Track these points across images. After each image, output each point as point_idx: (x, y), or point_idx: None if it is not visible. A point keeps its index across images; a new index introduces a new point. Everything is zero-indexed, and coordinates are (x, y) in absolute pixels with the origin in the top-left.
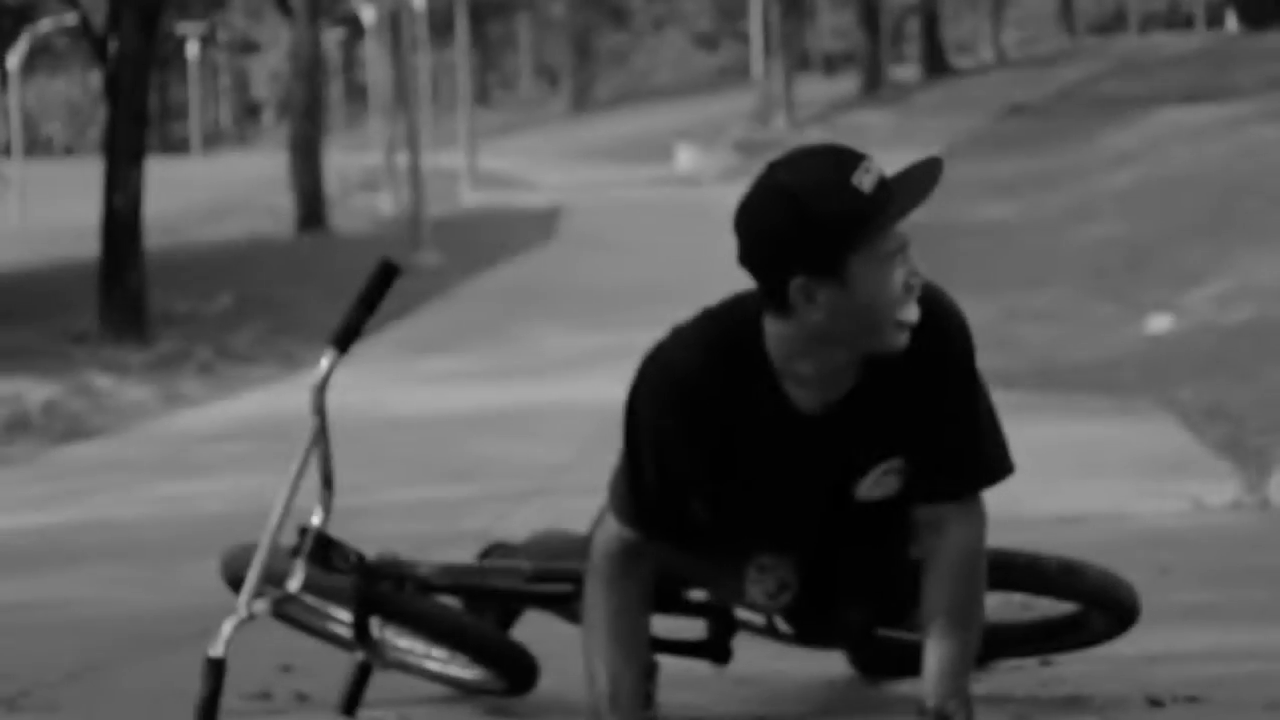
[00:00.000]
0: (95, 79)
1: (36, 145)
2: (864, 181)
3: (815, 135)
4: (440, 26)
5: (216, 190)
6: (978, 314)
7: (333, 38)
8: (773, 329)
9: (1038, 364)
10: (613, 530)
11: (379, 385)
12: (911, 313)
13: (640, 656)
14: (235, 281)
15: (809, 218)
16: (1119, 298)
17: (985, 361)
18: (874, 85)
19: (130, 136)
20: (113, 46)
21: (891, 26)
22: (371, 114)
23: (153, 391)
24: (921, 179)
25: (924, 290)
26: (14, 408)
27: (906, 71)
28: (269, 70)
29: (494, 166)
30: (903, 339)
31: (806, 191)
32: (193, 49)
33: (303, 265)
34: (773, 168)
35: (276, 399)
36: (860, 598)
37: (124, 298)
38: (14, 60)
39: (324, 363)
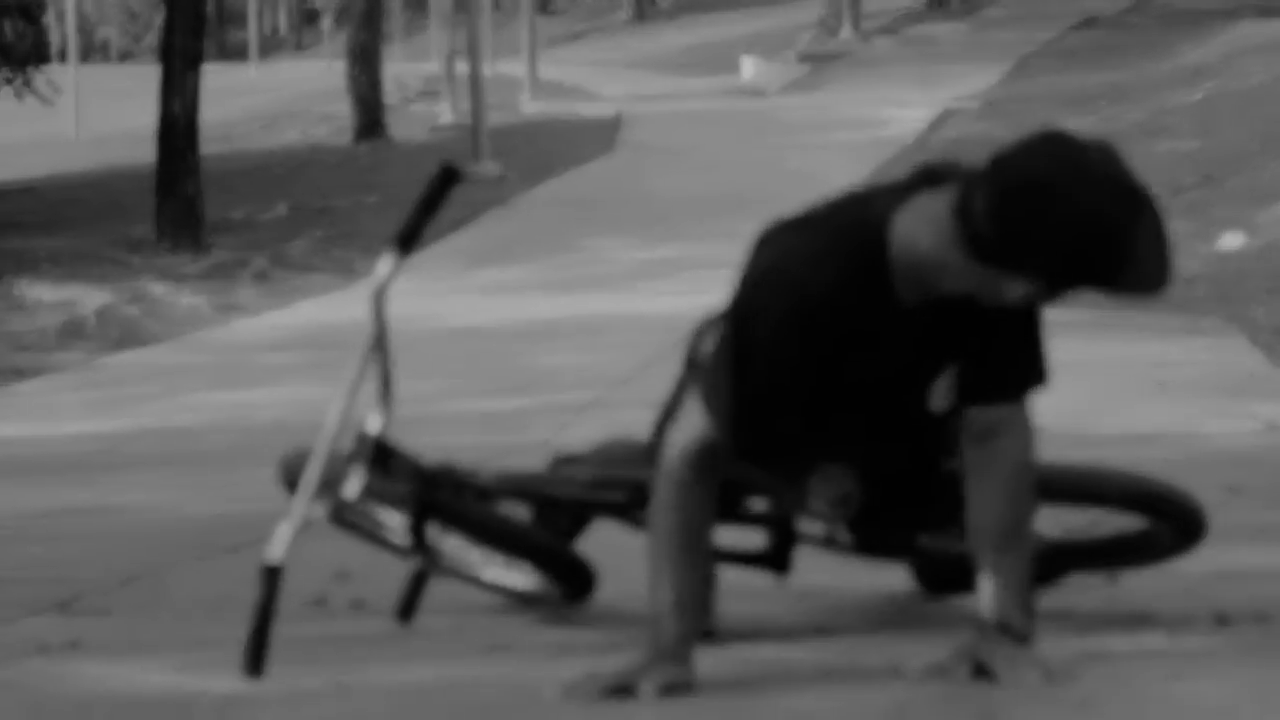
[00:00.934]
0: None
1: (92, 50)
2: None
3: (883, 47)
4: None
5: (273, 97)
6: None
7: None
8: (928, 238)
9: None
10: (696, 431)
11: (439, 295)
12: None
13: (705, 564)
14: (292, 190)
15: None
16: (1192, 214)
17: None
18: None
19: (187, 42)
20: None
21: None
22: (432, 21)
23: (208, 299)
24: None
25: None
26: (69, 314)
27: None
28: None
29: (555, 76)
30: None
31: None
32: None
33: (360, 174)
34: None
35: (333, 308)
36: (914, 507)
37: (180, 205)
38: None
39: (384, 266)
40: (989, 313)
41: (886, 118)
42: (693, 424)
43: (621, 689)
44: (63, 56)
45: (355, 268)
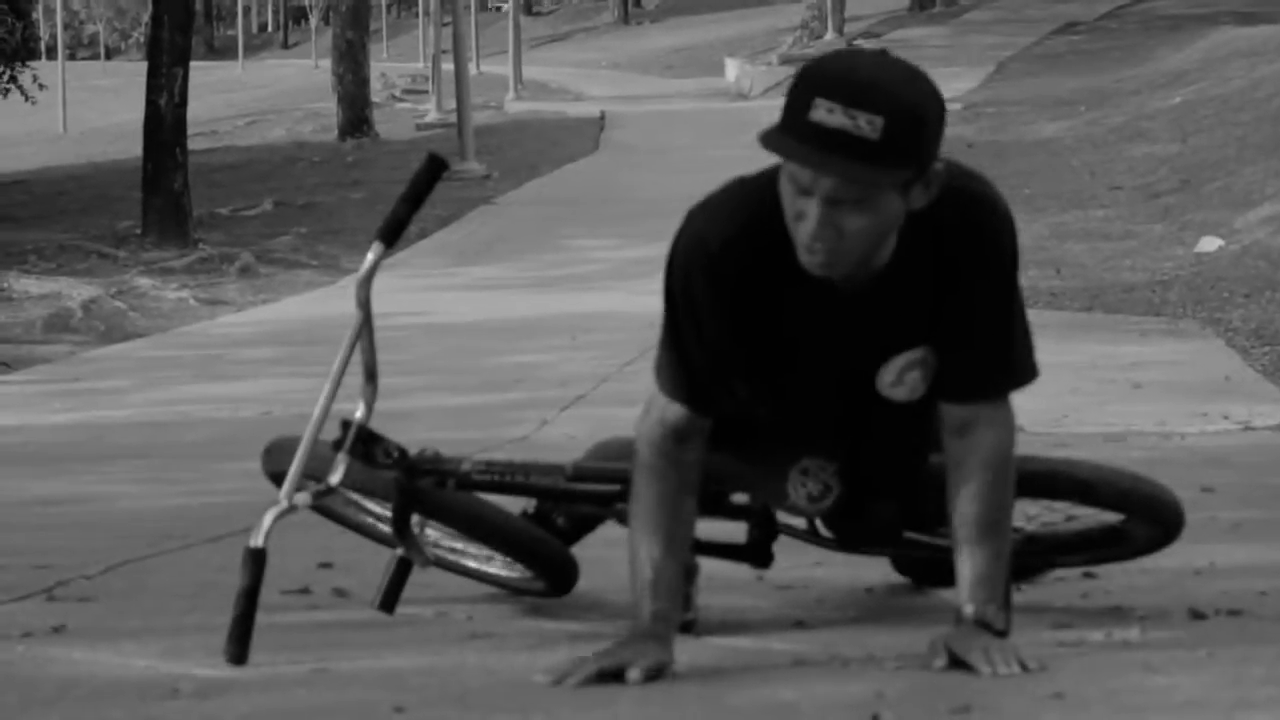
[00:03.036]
0: None
1: (80, 46)
2: (820, 107)
3: (864, 47)
4: None
5: (260, 94)
6: (1028, 232)
7: None
8: None
9: (1087, 283)
10: (657, 413)
11: (423, 292)
12: (805, 250)
13: (683, 548)
14: (277, 186)
15: (797, 73)
16: (1169, 218)
17: (1034, 280)
18: (927, 1)
19: (175, 38)
20: None
21: None
22: (418, 19)
23: (194, 294)
24: None
25: (971, 186)
26: (55, 307)
27: None
28: None
29: (540, 76)
30: (809, 261)
31: (814, 63)
32: None
33: (345, 171)
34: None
35: (318, 304)
36: (895, 502)
37: (166, 200)
38: None
39: (370, 256)
40: (957, 306)
41: None
42: (653, 406)
43: (607, 673)
44: (51, 53)
45: (340, 264)
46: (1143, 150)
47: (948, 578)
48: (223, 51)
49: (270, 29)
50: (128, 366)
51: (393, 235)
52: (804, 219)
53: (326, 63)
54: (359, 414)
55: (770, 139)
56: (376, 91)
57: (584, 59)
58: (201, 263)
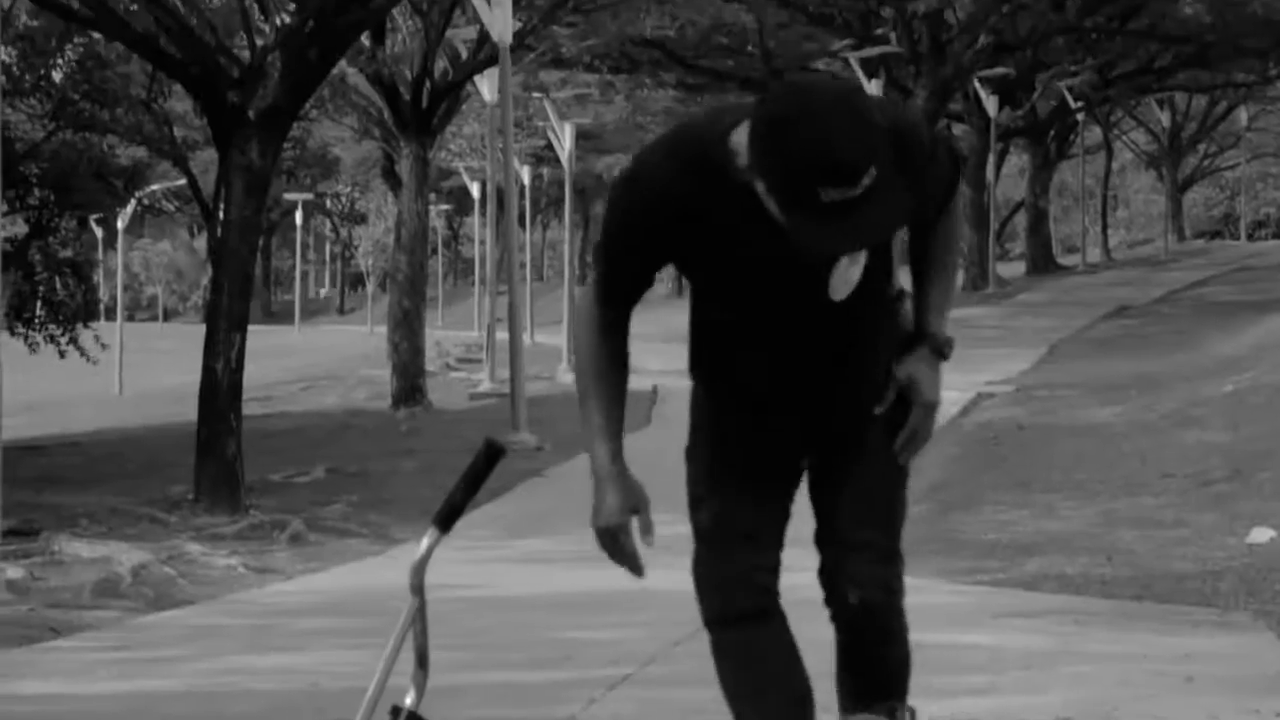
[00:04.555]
0: (201, 243)
1: (139, 308)
2: (830, 195)
3: None
4: (546, 203)
5: (315, 359)
6: (1078, 518)
7: (439, 209)
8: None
9: (1138, 572)
10: (589, 300)
11: (473, 564)
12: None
13: (621, 396)
14: (330, 453)
15: (764, 143)
16: (1220, 507)
17: (1085, 567)
18: (980, 281)
19: (234, 304)
20: (220, 212)
21: (999, 223)
22: (474, 288)
23: (244, 561)
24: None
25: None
26: (105, 571)
27: (1013, 269)
28: (373, 240)
29: None
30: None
31: (776, 135)
32: (299, 217)
33: (398, 439)
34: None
35: (368, 574)
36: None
37: (219, 466)
38: (121, 222)
39: (425, 541)
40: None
41: None
42: (586, 293)
43: (619, 548)
44: (110, 314)
45: (391, 533)
46: (1194, 437)
47: None
48: (280, 315)
49: (326, 294)
50: (176, 634)
51: (449, 521)
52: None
53: (382, 329)
54: (409, 700)
55: (802, 229)
56: (431, 360)
57: (638, 331)
58: (252, 529)
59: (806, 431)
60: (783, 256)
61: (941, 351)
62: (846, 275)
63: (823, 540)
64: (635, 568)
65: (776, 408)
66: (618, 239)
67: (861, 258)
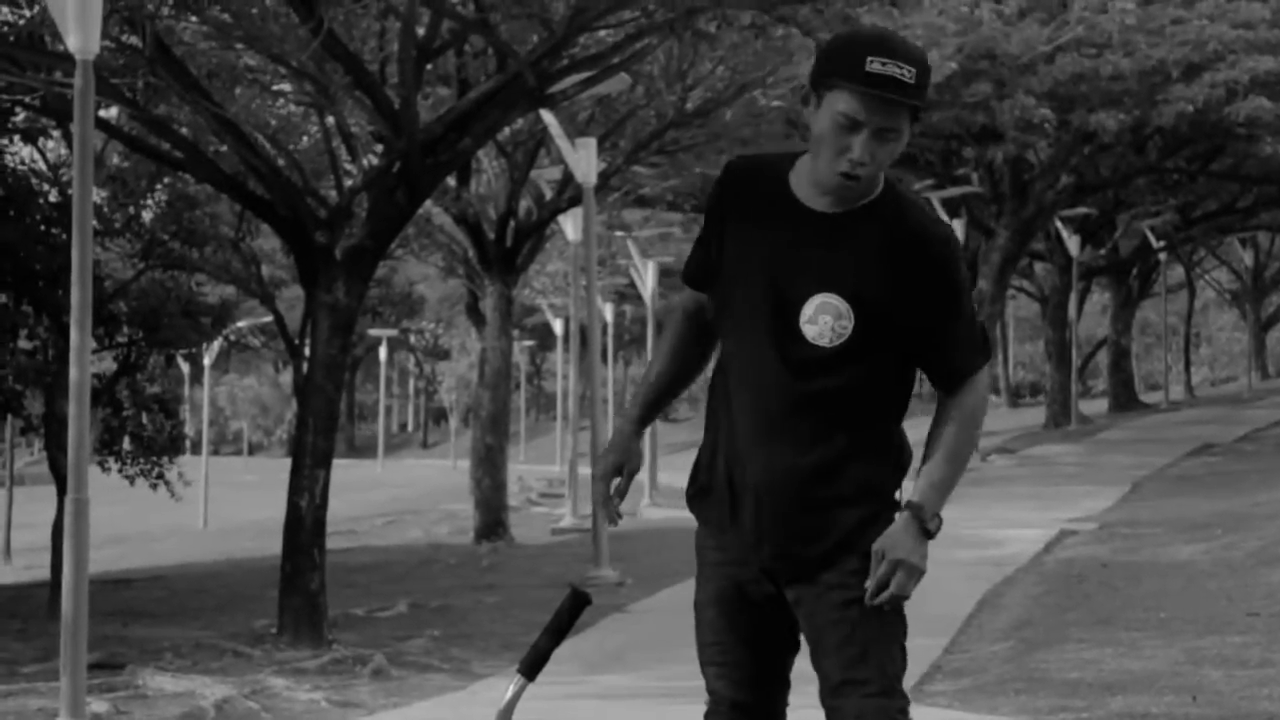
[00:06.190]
0: (286, 377)
1: (224, 442)
2: (874, 62)
3: (1001, 465)
4: (628, 340)
5: (398, 494)
6: (1162, 657)
7: (522, 345)
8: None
9: (1224, 711)
10: (686, 291)
11: (551, 700)
12: (845, 174)
13: (681, 372)
14: (413, 587)
15: (827, 47)
16: None
17: (1170, 707)
18: (1062, 418)
19: (318, 440)
20: (306, 348)
21: (1081, 360)
22: (556, 423)
23: (325, 695)
24: None
25: (921, 211)
26: (189, 706)
27: (1095, 406)
28: (457, 376)
29: (676, 482)
30: (840, 186)
31: (845, 34)
32: (383, 353)
33: (480, 574)
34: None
35: (449, 710)
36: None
37: (303, 600)
38: (208, 358)
39: (511, 689)
40: (901, 294)
41: (1002, 537)
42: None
43: (600, 497)
44: (196, 448)
45: (473, 669)
46: None
47: None
48: (363, 449)
49: (410, 429)
50: None
51: (535, 669)
52: (849, 150)
53: (465, 463)
54: None
55: (837, 84)
56: (513, 494)
57: None
58: (335, 664)
59: (776, 558)
60: (789, 253)
61: (923, 521)
62: (817, 319)
63: (823, 695)
64: (608, 516)
65: (744, 506)
66: (706, 221)
67: (830, 316)
